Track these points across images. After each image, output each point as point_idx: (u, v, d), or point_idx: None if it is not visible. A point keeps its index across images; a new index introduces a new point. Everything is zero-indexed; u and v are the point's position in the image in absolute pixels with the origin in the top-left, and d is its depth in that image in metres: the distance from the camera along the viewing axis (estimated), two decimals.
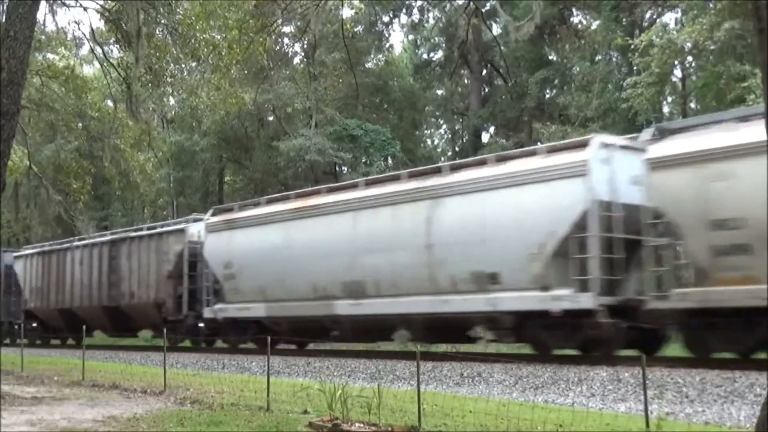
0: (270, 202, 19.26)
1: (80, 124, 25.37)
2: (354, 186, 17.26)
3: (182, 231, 21.79)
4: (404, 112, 41.13)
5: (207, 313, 19.72)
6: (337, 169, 36.81)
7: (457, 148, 44.37)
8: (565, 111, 30.78)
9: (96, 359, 17.95)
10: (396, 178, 16.27)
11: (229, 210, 20.50)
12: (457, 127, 46.07)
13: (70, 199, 28.59)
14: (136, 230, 25.09)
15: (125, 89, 19.18)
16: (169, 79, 19.18)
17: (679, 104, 31.39)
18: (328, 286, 16.59)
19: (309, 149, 31.95)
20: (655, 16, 29.73)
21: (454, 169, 15.14)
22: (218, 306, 19.39)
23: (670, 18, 29.34)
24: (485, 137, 39.25)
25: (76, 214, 29.95)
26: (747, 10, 17.32)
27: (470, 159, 15.26)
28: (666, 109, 31.57)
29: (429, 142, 49.13)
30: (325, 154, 32.50)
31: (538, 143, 24.98)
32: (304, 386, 9.81)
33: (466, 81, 42.19)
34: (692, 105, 30.24)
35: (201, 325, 20.55)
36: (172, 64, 18.69)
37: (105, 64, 20.10)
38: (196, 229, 21.32)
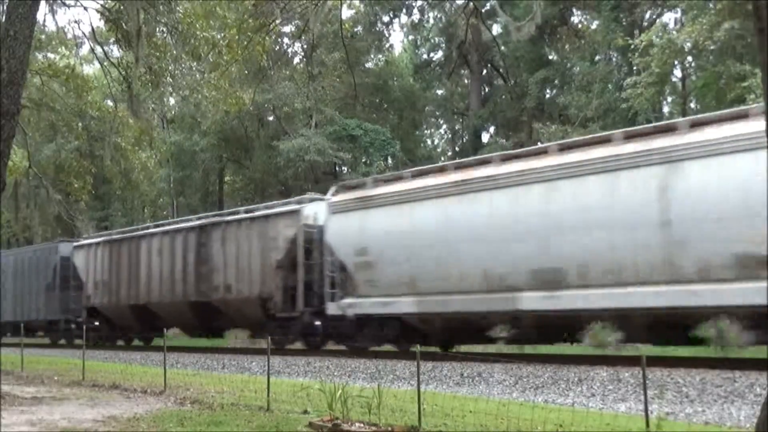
0: (417, 175, 16.11)
1: (80, 124, 25.34)
2: (543, 152, 13.97)
3: (296, 213, 18.40)
4: (404, 112, 41.18)
5: (332, 309, 16.61)
6: (336, 169, 36.85)
7: (457, 148, 44.42)
8: (565, 111, 30.80)
9: (96, 359, 17.95)
10: (606, 141, 13.12)
11: (360, 186, 17.19)
12: (457, 127, 46.12)
13: (71, 199, 28.53)
14: (232, 213, 21.70)
15: (126, 88, 19.16)
16: (169, 79, 19.15)
17: (679, 104, 31.42)
18: (508, 275, 13.55)
19: (309, 149, 31.99)
20: (655, 16, 29.75)
21: (696, 125, 12.10)
22: (348, 300, 16.30)
23: (670, 18, 29.43)
24: (485, 137, 39.31)
25: (76, 213, 29.88)
26: (747, 10, 17.33)
27: (718, 113, 12.45)
28: (666, 109, 31.59)
29: (429, 142, 49.21)
30: (324, 154, 32.55)
31: (538, 143, 25.00)
32: (304, 386, 9.82)
33: (466, 81, 42.23)
34: (692, 105, 30.26)
35: (318, 323, 17.60)
36: (172, 65, 18.67)
37: (105, 63, 20.10)
38: (311, 211, 18.29)
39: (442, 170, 15.66)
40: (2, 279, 30.10)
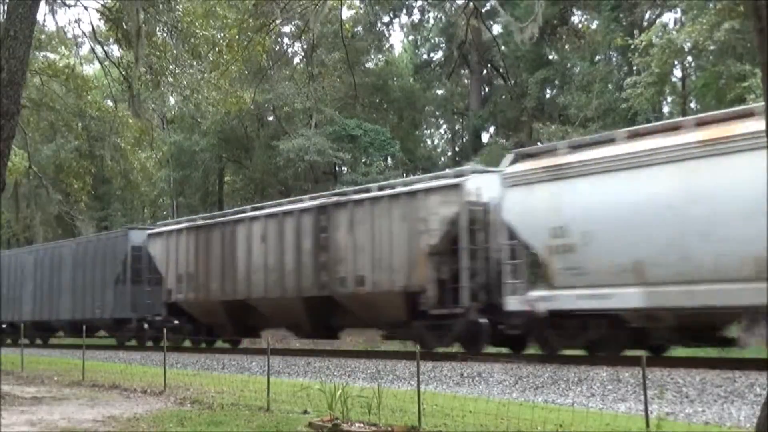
0: (635, 135, 12.89)
1: (80, 124, 25.34)
2: None
3: (457, 187, 15.12)
4: (404, 112, 41.20)
5: (514, 303, 13.60)
6: (336, 169, 36.86)
7: (457, 148, 44.44)
8: (565, 111, 30.82)
9: (96, 359, 17.96)
10: None
11: (549, 152, 14.03)
12: (457, 127, 46.11)
13: (71, 199, 28.52)
14: (360, 191, 18.16)
15: (126, 88, 19.16)
16: (169, 79, 19.15)
17: (679, 104, 31.42)
18: None
19: (308, 149, 32.00)
20: (654, 16, 29.77)
21: None
22: (537, 293, 13.32)
23: (670, 18, 29.44)
24: (485, 137, 39.34)
25: (76, 213, 29.87)
26: (747, 10, 17.32)
27: None
28: (666, 109, 31.61)
29: (429, 142, 49.20)
30: (324, 154, 32.57)
31: (538, 143, 25.01)
32: (304, 386, 9.83)
33: (466, 81, 42.24)
34: (692, 105, 30.27)
35: (483, 321, 14.59)
36: (172, 64, 18.67)
37: (105, 63, 20.10)
38: (475, 185, 15.07)
39: (675, 128, 12.51)
40: (45, 274, 27.91)
